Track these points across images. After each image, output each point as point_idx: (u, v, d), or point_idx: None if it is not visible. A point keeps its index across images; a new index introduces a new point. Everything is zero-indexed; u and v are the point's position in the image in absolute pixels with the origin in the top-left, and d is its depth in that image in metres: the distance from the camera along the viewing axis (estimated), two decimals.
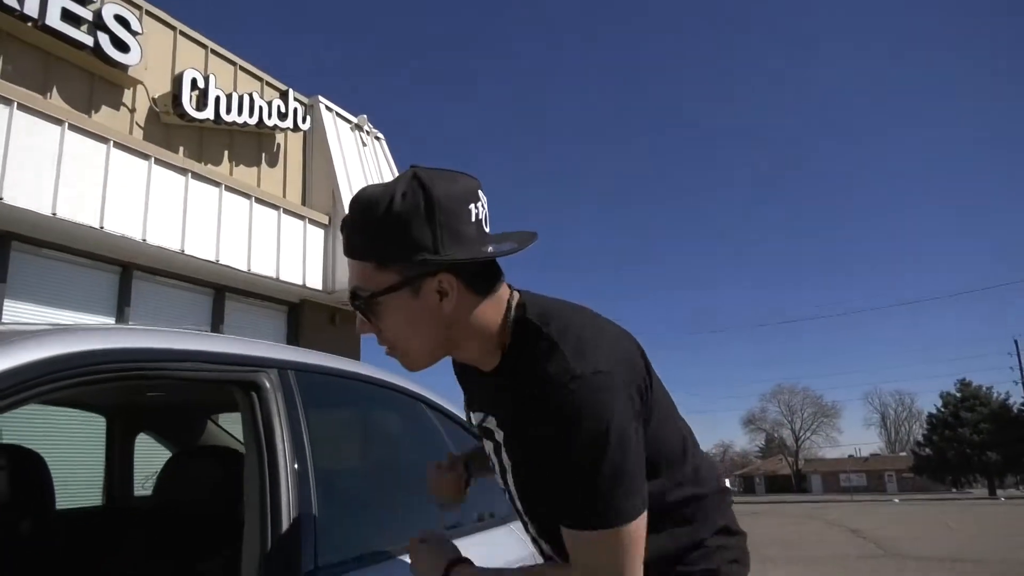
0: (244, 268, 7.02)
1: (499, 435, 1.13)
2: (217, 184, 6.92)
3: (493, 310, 1.08)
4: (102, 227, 5.81)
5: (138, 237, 6.08)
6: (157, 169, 6.36)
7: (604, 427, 0.95)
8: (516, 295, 1.12)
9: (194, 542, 1.64)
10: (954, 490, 51.53)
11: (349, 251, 1.07)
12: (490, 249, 1.04)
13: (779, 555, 11.01)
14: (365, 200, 1.03)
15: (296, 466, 1.47)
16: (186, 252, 6.47)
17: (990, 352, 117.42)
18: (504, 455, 1.13)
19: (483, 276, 1.07)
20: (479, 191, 1.06)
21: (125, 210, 6.02)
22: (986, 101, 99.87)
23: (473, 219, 1.03)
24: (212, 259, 6.70)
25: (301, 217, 7.88)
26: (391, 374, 2.04)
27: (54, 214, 5.47)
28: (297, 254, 7.70)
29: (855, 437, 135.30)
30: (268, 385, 1.53)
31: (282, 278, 7.43)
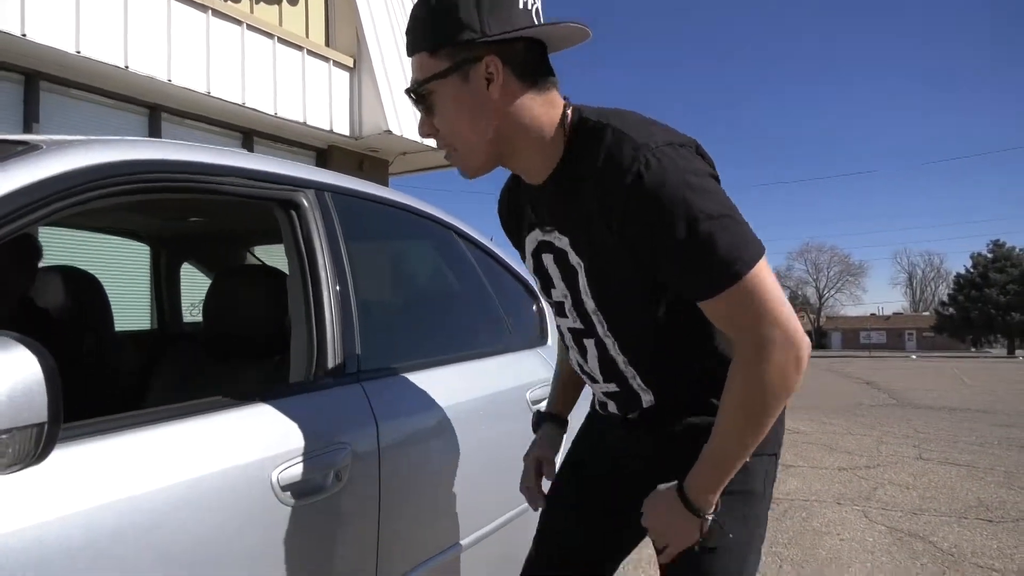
0: (271, 111, 6.95)
1: (562, 241, 1.15)
2: (239, 23, 6.71)
3: (546, 107, 1.09)
4: (127, 67, 5.73)
5: (164, 78, 6.00)
6: (176, 5, 6.16)
7: (699, 179, 0.98)
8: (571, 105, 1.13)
9: (244, 352, 1.76)
10: (973, 349, 52.22)
11: (408, 48, 1.09)
12: (532, 29, 1.04)
13: (796, 402, 11.43)
14: None
15: (337, 281, 1.55)
16: (212, 94, 6.39)
17: None
18: (572, 259, 1.14)
19: (532, 66, 1.07)
20: None
21: (149, 50, 5.91)
22: None
23: (521, 5, 1.04)
24: (238, 102, 6.63)
25: (326, 59, 7.66)
26: (425, 203, 2.08)
27: (78, 52, 5.40)
28: (323, 98, 7.58)
29: (880, 296, 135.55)
30: (306, 204, 1.58)
31: (309, 123, 7.35)
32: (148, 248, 2.85)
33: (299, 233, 1.56)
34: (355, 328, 1.56)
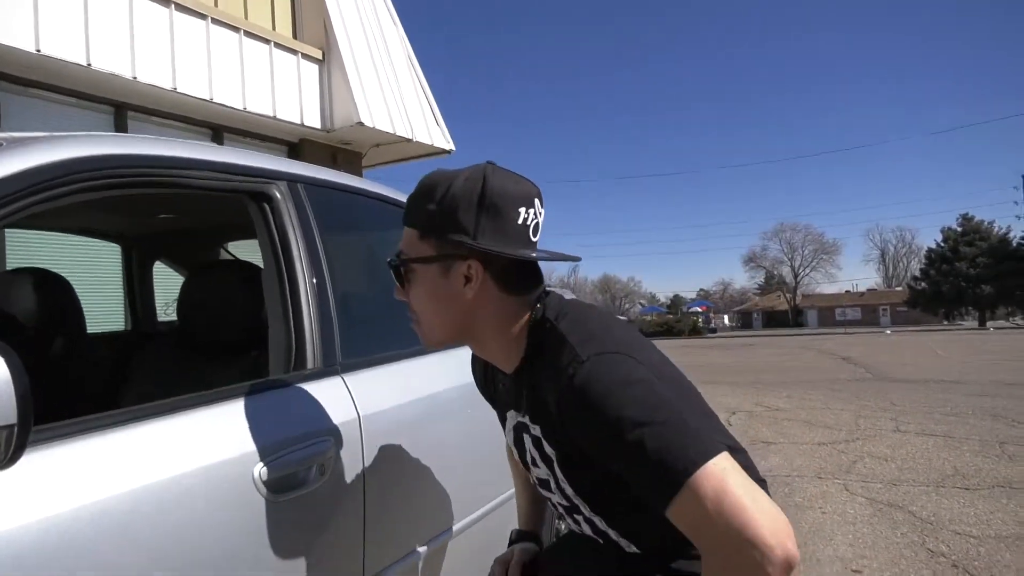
0: (240, 106, 6.84)
1: (535, 429, 1.14)
2: (203, 16, 6.59)
3: (516, 311, 1.12)
4: (89, 64, 5.60)
5: (128, 75, 5.89)
6: (139, 1, 6.03)
7: (625, 388, 0.94)
8: (548, 299, 1.14)
9: (221, 349, 1.73)
10: (946, 322, 53.18)
11: (404, 217, 1.14)
12: (520, 252, 1.07)
13: (774, 380, 11.61)
14: (434, 176, 1.11)
15: (313, 274, 1.53)
16: (178, 90, 6.28)
17: (994, 188, 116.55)
18: (546, 447, 1.13)
19: (515, 276, 1.11)
20: (536, 199, 1.10)
21: (112, 46, 5.78)
22: None
23: (520, 221, 1.07)
24: (206, 97, 6.52)
25: (294, 52, 7.56)
26: (400, 192, 2.06)
27: (38, 51, 5.27)
28: (293, 91, 7.48)
29: (853, 273, 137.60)
30: (279, 196, 1.55)
31: (279, 116, 7.25)
32: (120, 248, 2.79)
33: (272, 226, 1.53)
34: (333, 320, 1.54)
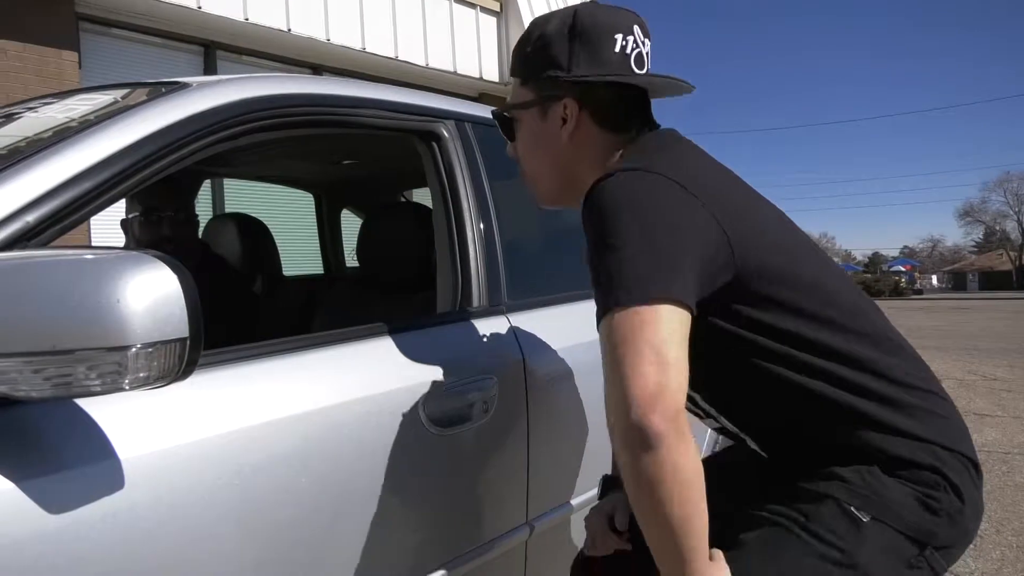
0: (422, 63, 7.07)
1: None
2: None
3: (615, 152, 1.05)
4: (290, 29, 6.04)
5: (323, 38, 6.28)
6: None
7: (620, 207, 0.87)
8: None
9: (396, 289, 1.79)
10: None
11: (510, 69, 1.14)
12: (611, 75, 1.01)
13: (992, 347, 10.29)
14: (531, 24, 1.10)
15: (480, 212, 1.52)
16: (367, 50, 6.61)
17: None
18: None
19: (613, 112, 1.05)
20: (636, 26, 1.05)
21: (309, 12, 6.18)
22: None
23: (617, 48, 1.03)
24: (391, 55, 6.81)
25: (472, 5, 7.65)
26: None
27: (246, 19, 5.75)
28: (472, 45, 7.60)
29: None
30: (447, 135, 1.55)
31: (459, 71, 7.42)
32: (312, 196, 2.99)
33: (440, 165, 1.53)
34: (499, 259, 1.52)
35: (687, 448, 0.75)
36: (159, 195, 1.95)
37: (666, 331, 0.78)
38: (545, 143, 1.08)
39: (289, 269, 2.52)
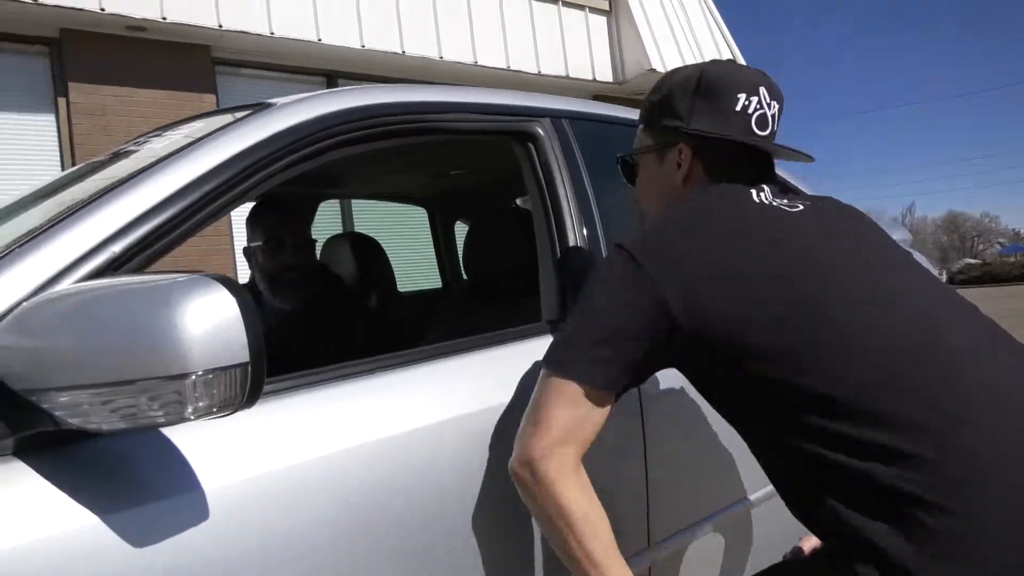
0: (534, 71, 7.06)
1: None
2: None
3: None
4: (404, 52, 6.21)
5: (435, 56, 6.42)
6: None
7: (595, 288, 0.99)
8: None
9: (505, 296, 1.73)
10: None
11: (638, 118, 1.23)
12: (725, 132, 1.06)
13: None
14: (663, 75, 1.18)
15: (581, 212, 1.43)
16: (479, 63, 6.69)
17: None
18: None
19: (727, 168, 1.08)
20: (762, 88, 1.09)
21: (421, 32, 6.35)
22: None
23: (739, 107, 1.07)
24: (503, 66, 6.85)
25: (581, 7, 7.57)
26: None
27: (363, 46, 5.98)
28: (583, 47, 7.51)
29: None
30: (543, 134, 1.47)
31: (572, 75, 7.35)
32: (425, 211, 3.01)
33: (537, 166, 1.46)
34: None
35: (544, 491, 0.91)
36: (277, 223, 2.00)
37: (576, 414, 0.94)
38: (658, 185, 1.16)
39: (419, 284, 2.54)
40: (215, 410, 0.67)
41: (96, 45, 5.13)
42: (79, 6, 4.79)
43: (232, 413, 0.69)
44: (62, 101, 5.12)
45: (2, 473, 0.70)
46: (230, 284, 0.68)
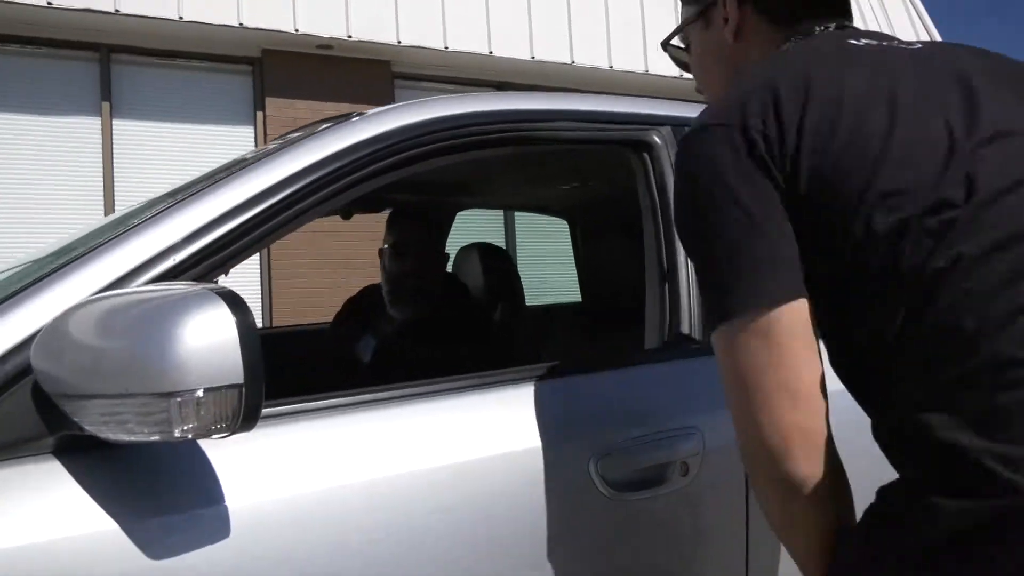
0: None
1: None
2: None
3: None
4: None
5: (605, 65, 6.34)
6: None
7: (689, 193, 0.77)
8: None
9: (615, 317, 1.62)
10: None
11: None
12: None
13: None
14: None
15: None
16: (649, 72, 6.51)
17: None
18: None
19: (792, 7, 0.90)
20: None
21: (591, 43, 6.28)
22: None
23: None
24: (675, 75, 6.59)
25: None
26: None
27: (533, 57, 6.05)
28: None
29: None
30: (660, 142, 1.35)
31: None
32: (567, 224, 2.94)
33: (652, 178, 1.34)
34: None
35: None
36: (405, 229, 2.02)
37: (792, 353, 0.71)
38: (713, 53, 1.00)
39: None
40: (206, 431, 0.64)
41: (290, 63, 5.61)
42: (277, 28, 5.27)
43: (226, 436, 0.66)
44: (259, 115, 5.66)
45: (37, 472, 0.73)
46: (233, 300, 0.65)
